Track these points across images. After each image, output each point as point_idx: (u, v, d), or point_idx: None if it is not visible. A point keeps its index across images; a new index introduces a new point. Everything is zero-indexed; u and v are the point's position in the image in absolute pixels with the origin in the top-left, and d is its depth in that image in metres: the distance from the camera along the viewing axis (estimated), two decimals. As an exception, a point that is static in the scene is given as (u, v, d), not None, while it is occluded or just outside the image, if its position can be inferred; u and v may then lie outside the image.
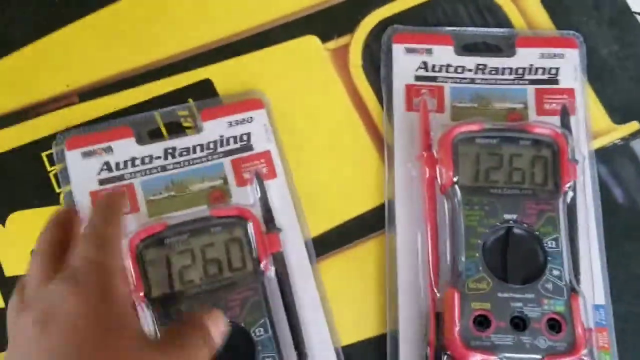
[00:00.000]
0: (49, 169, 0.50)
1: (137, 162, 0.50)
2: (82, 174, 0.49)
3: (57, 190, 0.50)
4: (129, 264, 0.44)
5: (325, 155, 0.53)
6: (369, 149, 0.53)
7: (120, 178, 0.49)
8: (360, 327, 0.48)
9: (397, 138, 0.52)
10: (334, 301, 0.48)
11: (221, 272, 0.45)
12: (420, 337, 0.47)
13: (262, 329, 0.44)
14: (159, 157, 0.50)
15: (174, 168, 0.50)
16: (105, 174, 0.49)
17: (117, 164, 0.50)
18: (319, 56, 0.55)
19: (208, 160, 0.51)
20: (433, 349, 0.45)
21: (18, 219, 0.49)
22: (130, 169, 0.50)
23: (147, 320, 0.43)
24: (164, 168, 0.50)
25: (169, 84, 0.53)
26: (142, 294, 0.43)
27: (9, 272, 0.48)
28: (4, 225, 0.49)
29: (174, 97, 0.53)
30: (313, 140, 0.53)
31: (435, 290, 0.47)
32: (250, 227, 0.46)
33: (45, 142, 0.51)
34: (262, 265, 0.45)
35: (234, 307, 0.44)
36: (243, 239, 0.46)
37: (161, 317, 0.43)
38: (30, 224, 0.49)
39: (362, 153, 0.53)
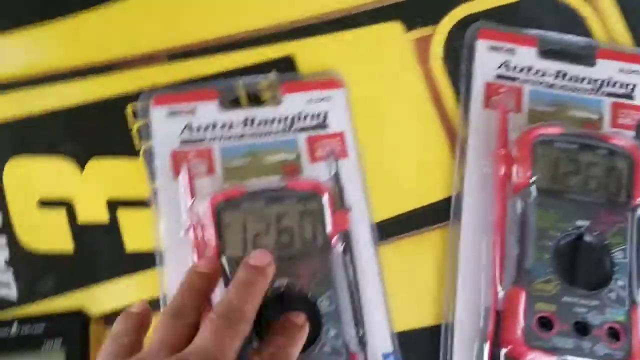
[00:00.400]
0: (131, 122, 0.51)
1: (218, 127, 0.51)
2: (165, 132, 0.50)
3: (138, 145, 0.50)
4: (208, 221, 0.45)
5: (396, 143, 0.53)
6: (440, 141, 0.53)
7: (201, 140, 0.50)
8: (414, 315, 0.49)
9: (472, 134, 0.52)
10: (391, 287, 0.49)
11: (292, 242, 0.46)
12: (476, 332, 0.47)
13: (327, 302, 0.44)
14: (238, 125, 0.51)
15: (252, 137, 0.51)
16: (187, 135, 0.50)
17: (199, 127, 0.50)
18: (401, 44, 0.55)
19: (284, 133, 0.51)
20: (491, 345, 0.45)
21: (96, 166, 0.50)
22: (210, 133, 0.50)
23: (222, 276, 0.44)
24: (242, 136, 0.51)
25: (252, 55, 0.54)
26: (218, 250, 0.44)
27: (81, 219, 0.48)
28: (82, 171, 0.50)
29: (256, 69, 0.53)
30: (385, 127, 0.53)
31: (499, 288, 0.47)
32: (324, 202, 0.47)
33: (130, 97, 0.51)
34: (331, 241, 0.46)
35: (302, 277, 0.45)
36: (316, 213, 0.46)
37: (232, 278, 0.44)
38: (107, 173, 0.50)
39: (433, 145, 0.53)
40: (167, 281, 0.47)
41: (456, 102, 0.54)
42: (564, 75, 0.55)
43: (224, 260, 0.44)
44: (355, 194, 0.50)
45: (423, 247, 0.51)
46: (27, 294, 0.46)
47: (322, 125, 0.52)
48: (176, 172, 0.49)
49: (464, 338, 0.47)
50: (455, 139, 0.53)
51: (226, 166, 0.50)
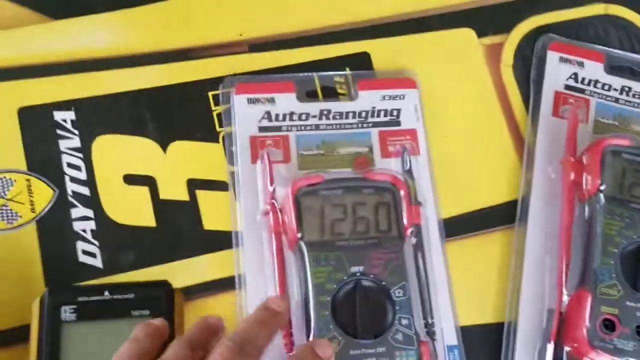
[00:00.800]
0: (212, 107, 0.53)
1: (295, 117, 0.53)
2: (245, 118, 0.52)
3: (218, 130, 0.52)
4: (289, 206, 0.47)
5: (465, 145, 0.55)
6: (507, 146, 0.55)
7: (278, 129, 0.52)
8: (476, 312, 0.50)
9: (540, 140, 0.54)
10: (455, 283, 0.51)
11: (368, 231, 0.47)
12: (538, 333, 0.49)
13: (401, 291, 0.46)
14: (314, 116, 0.53)
15: (326, 129, 0.53)
16: (265, 122, 0.52)
17: (277, 115, 0.52)
18: (473, 49, 0.57)
19: (358, 127, 0.53)
20: (554, 345, 0.47)
21: (178, 148, 0.52)
22: (287, 122, 0.52)
23: (299, 262, 0.46)
24: (317, 127, 0.53)
25: (329, 50, 0.56)
26: (299, 235, 0.46)
27: (163, 196, 0.50)
28: (165, 151, 0.51)
29: (332, 64, 0.55)
30: (455, 128, 0.55)
31: (564, 291, 0.49)
32: (400, 195, 0.48)
33: (210, 83, 0.53)
34: (406, 233, 0.48)
35: (377, 266, 0.46)
36: (391, 205, 0.48)
37: (311, 261, 0.46)
38: (188, 155, 0.52)
39: (501, 149, 0.55)
40: (243, 261, 0.48)
41: (524, 109, 0.56)
42: (629, 90, 0.56)
43: (302, 244, 0.46)
44: (426, 191, 0.52)
45: (487, 246, 0.52)
46: (111, 265, 0.48)
47: (395, 122, 0.54)
48: (253, 156, 0.51)
49: (526, 337, 0.49)
50: (522, 144, 0.55)
51: (301, 155, 0.52)
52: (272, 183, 0.49)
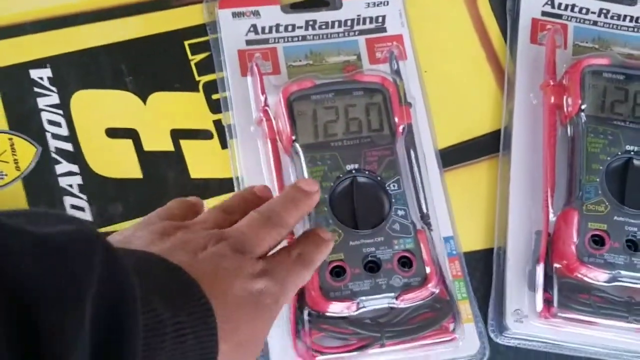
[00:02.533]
0: (190, 57, 0.53)
1: (281, 28, 0.53)
2: (231, 32, 0.52)
3: (197, 78, 0.52)
4: (282, 112, 0.47)
5: (445, 81, 0.55)
6: (488, 77, 0.55)
7: (266, 41, 0.53)
8: (469, 239, 0.51)
9: (519, 69, 0.54)
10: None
11: (361, 131, 0.48)
12: (528, 255, 0.49)
13: (395, 184, 0.47)
14: (300, 27, 0.54)
15: (313, 39, 0.53)
16: (252, 36, 0.53)
17: (263, 28, 0.53)
18: (448, -16, 0.57)
19: (344, 36, 0.54)
20: (544, 265, 0.48)
21: (158, 99, 0.51)
22: (274, 34, 0.53)
23: (295, 164, 0.48)
24: (304, 38, 0.53)
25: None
26: (293, 138, 0.47)
27: (147, 147, 0.50)
28: (145, 103, 0.51)
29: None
30: (435, 64, 0.55)
31: (551, 212, 0.49)
32: (389, 95, 0.49)
33: (186, 32, 0.53)
34: (397, 131, 0.49)
35: (372, 162, 0.48)
36: (382, 104, 0.49)
37: (307, 162, 0.47)
38: (168, 105, 0.52)
39: (481, 81, 0.55)
40: (240, 171, 0.50)
41: (502, 39, 0.56)
42: (607, 12, 0.56)
43: (297, 146, 0.47)
44: (415, 93, 0.53)
45: (474, 177, 0.53)
46: (101, 218, 0.48)
47: (381, 28, 0.54)
48: (243, 69, 0.51)
49: (516, 261, 0.49)
50: (502, 75, 0.55)
51: (290, 66, 0.52)
52: (263, 92, 0.50)
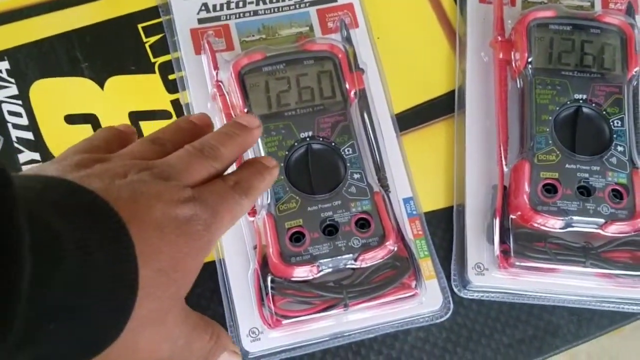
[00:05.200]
0: (144, 39, 0.53)
1: (232, 5, 0.54)
2: (183, 12, 0.54)
3: (152, 60, 0.53)
4: (234, 85, 0.48)
5: (398, 44, 0.55)
6: (440, 38, 0.56)
7: (217, 18, 0.54)
8: (429, 200, 0.52)
9: (470, 28, 0.55)
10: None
11: (313, 99, 0.49)
12: (485, 210, 0.50)
13: (350, 149, 0.48)
14: (251, 3, 0.55)
15: (264, 13, 0.54)
16: (203, 14, 0.54)
17: (214, 6, 0.54)
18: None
19: (295, 8, 0.55)
20: (500, 217, 0.48)
21: (115, 83, 0.52)
22: (225, 11, 0.54)
23: None
24: (255, 13, 0.54)
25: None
26: (245, 110, 0.48)
27: (107, 131, 0.51)
28: (102, 88, 0.52)
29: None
30: (387, 29, 0.56)
31: (504, 165, 0.50)
32: (339, 61, 0.50)
33: (139, 15, 0.54)
34: (349, 97, 0.50)
35: (325, 129, 0.49)
36: (333, 72, 0.50)
37: (262, 133, 0.46)
38: (126, 88, 0.52)
39: (434, 43, 0.56)
40: None
41: (453, 1, 0.56)
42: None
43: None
44: (367, 59, 0.54)
45: (431, 138, 0.53)
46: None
47: None
48: (197, 48, 0.52)
49: (475, 216, 0.50)
50: (454, 35, 0.56)
51: (243, 41, 0.53)
52: (216, 67, 0.51)
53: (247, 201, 0.36)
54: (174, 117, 0.52)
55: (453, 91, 0.54)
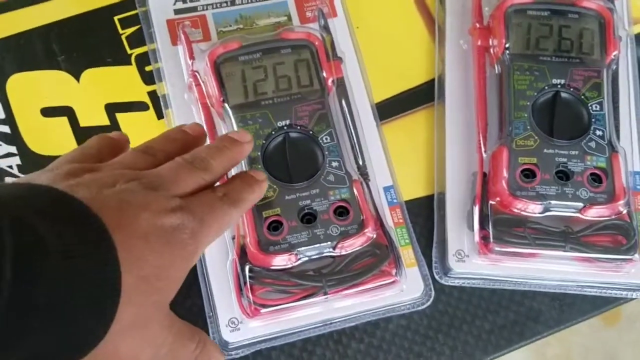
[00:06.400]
0: (121, 31, 0.53)
1: None
2: (159, 3, 0.53)
3: (129, 52, 0.53)
4: (209, 75, 0.48)
5: (377, 34, 0.55)
6: (419, 27, 0.56)
7: (194, 9, 0.53)
8: (410, 188, 0.51)
9: (448, 16, 0.55)
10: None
11: (291, 87, 0.49)
12: (466, 197, 0.50)
13: (328, 137, 0.48)
14: None
15: (242, 3, 0.54)
16: (179, 5, 0.53)
17: None
18: None
19: None
20: (480, 204, 0.48)
21: (91, 75, 0.52)
22: (202, 2, 0.53)
23: (228, 126, 0.48)
24: (232, 2, 0.54)
25: None
26: (221, 99, 0.48)
27: (83, 123, 0.51)
28: (78, 81, 0.52)
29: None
30: (365, 19, 0.55)
31: (483, 152, 0.50)
32: (316, 49, 0.50)
33: (115, 7, 0.54)
34: (327, 85, 0.50)
35: (303, 117, 0.48)
36: (310, 60, 0.50)
37: (238, 122, 0.48)
38: (102, 80, 0.52)
39: (412, 31, 0.55)
40: None
41: (431, -12, 0.56)
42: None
43: (227, 108, 0.48)
44: (345, 48, 0.53)
45: (412, 127, 0.53)
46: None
47: None
48: (173, 38, 0.52)
49: (456, 203, 0.50)
50: (433, 23, 0.55)
51: (220, 32, 0.53)
52: (192, 57, 0.50)
53: (236, 212, 0.37)
54: (151, 109, 0.52)
55: (433, 80, 0.54)
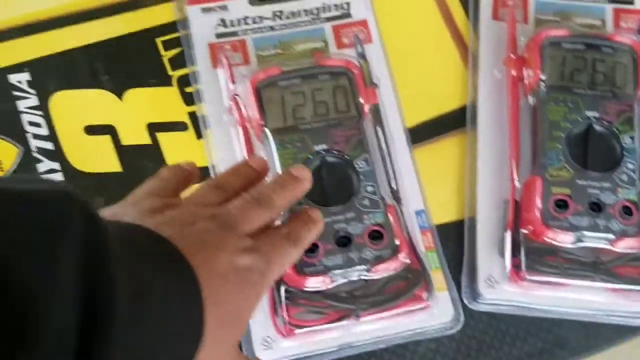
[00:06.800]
0: (163, 53, 0.55)
1: (249, 20, 0.55)
2: (201, 27, 0.55)
3: (170, 73, 0.54)
4: (251, 99, 0.50)
5: (411, 59, 0.56)
6: (452, 54, 0.57)
7: (234, 34, 0.55)
8: (441, 212, 0.52)
9: (483, 45, 0.56)
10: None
11: (328, 113, 0.50)
12: (497, 224, 0.51)
13: (363, 162, 0.49)
14: (268, 18, 0.56)
15: (280, 29, 0.55)
16: (221, 29, 0.55)
17: (232, 21, 0.55)
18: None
19: (311, 24, 0.56)
20: (512, 231, 0.49)
21: (134, 95, 0.54)
22: (242, 27, 0.55)
23: (266, 149, 0.50)
24: (272, 28, 0.55)
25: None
26: (261, 123, 0.49)
27: (125, 142, 0.52)
28: (121, 100, 0.53)
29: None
30: (400, 45, 0.56)
31: (516, 180, 0.51)
32: (354, 77, 0.51)
33: (158, 29, 0.55)
34: (363, 111, 0.51)
35: (339, 142, 0.50)
36: (347, 87, 0.51)
37: (277, 145, 0.49)
38: (144, 100, 0.54)
39: (446, 58, 0.57)
40: (215, 160, 0.52)
41: (464, 16, 0.57)
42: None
43: (267, 131, 0.49)
44: (381, 74, 0.54)
45: (443, 152, 0.54)
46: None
47: (346, 14, 0.56)
48: (214, 62, 0.53)
49: (486, 229, 0.51)
50: (466, 51, 0.57)
51: (259, 56, 0.54)
52: (232, 81, 0.52)
53: (296, 252, 0.39)
54: (191, 129, 0.53)
55: (465, 106, 0.55)
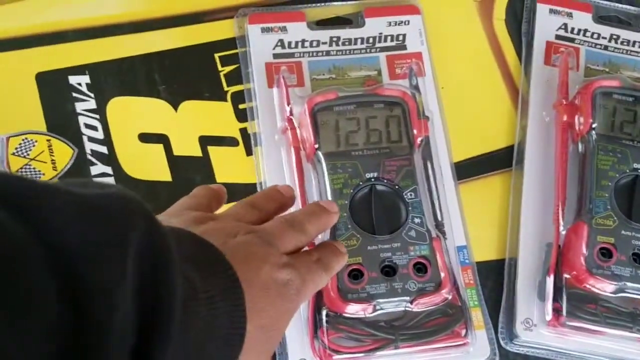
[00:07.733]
0: (220, 68, 0.55)
1: (307, 44, 0.56)
2: (260, 46, 0.56)
3: (226, 88, 0.55)
4: (306, 121, 0.50)
5: (461, 98, 0.57)
6: (503, 95, 0.58)
7: (291, 55, 0.56)
8: (482, 250, 0.53)
9: (533, 88, 0.57)
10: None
11: (381, 141, 0.51)
12: (538, 266, 0.51)
13: (413, 194, 0.50)
14: (325, 43, 0.57)
15: (336, 54, 0.56)
16: (279, 50, 0.56)
17: (290, 43, 0.56)
18: (467, 5, 0.60)
19: (366, 52, 0.57)
20: (553, 276, 0.49)
21: (188, 107, 0.54)
22: (300, 49, 0.56)
23: (318, 171, 0.50)
24: (327, 53, 0.56)
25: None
26: (316, 146, 0.50)
27: (176, 152, 0.53)
28: (176, 111, 0.54)
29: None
30: (451, 81, 0.57)
31: (561, 225, 0.51)
32: (409, 108, 0.52)
33: (217, 45, 0.56)
34: (415, 143, 0.51)
35: (390, 172, 0.50)
36: (401, 117, 0.52)
37: (329, 169, 0.50)
38: (198, 113, 0.54)
39: (496, 98, 0.58)
40: (264, 178, 0.53)
41: (517, 60, 0.58)
42: (617, 38, 0.59)
43: (320, 154, 0.50)
44: (432, 107, 0.56)
45: (488, 190, 0.55)
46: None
47: (401, 46, 0.57)
48: (270, 81, 0.54)
49: (527, 272, 0.51)
50: (516, 93, 0.57)
51: (314, 79, 0.55)
52: (288, 102, 0.52)
53: (326, 276, 0.40)
54: (241, 145, 0.54)
55: (512, 146, 0.56)
